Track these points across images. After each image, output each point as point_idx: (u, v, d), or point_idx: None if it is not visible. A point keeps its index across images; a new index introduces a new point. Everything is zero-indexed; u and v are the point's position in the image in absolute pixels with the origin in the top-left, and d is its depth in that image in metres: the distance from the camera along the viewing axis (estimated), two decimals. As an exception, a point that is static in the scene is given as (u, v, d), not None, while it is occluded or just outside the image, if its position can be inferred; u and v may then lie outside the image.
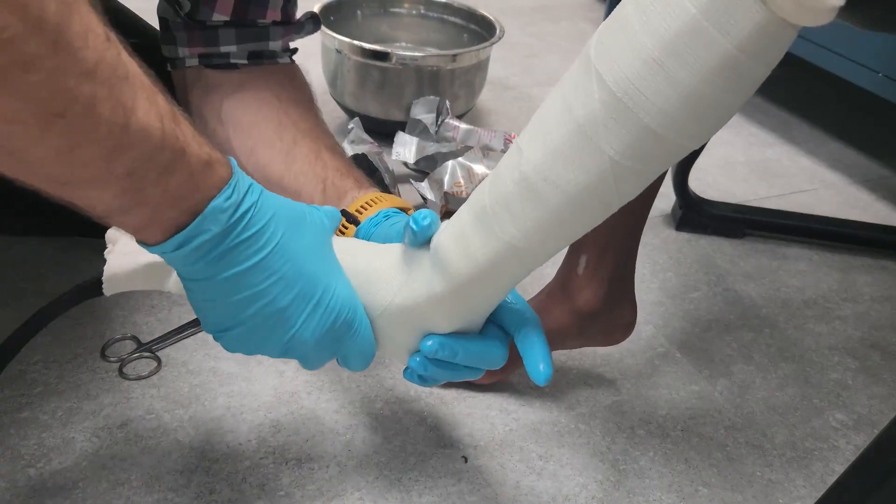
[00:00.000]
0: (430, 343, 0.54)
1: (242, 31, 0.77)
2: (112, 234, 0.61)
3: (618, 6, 0.43)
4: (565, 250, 0.81)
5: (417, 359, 0.56)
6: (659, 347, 0.94)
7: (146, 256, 0.59)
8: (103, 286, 0.61)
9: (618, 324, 0.82)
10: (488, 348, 0.56)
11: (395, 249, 0.56)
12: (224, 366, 0.82)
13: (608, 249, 0.78)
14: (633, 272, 0.82)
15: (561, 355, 0.89)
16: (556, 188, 0.45)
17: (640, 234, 0.80)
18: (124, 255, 0.60)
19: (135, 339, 0.84)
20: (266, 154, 0.73)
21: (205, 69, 0.78)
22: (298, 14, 0.83)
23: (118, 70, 0.38)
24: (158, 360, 0.82)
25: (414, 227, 0.52)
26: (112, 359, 0.82)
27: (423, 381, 0.58)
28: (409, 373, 0.58)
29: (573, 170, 0.44)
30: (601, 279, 0.78)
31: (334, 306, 0.52)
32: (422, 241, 0.54)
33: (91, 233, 0.62)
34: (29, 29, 0.33)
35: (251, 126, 0.75)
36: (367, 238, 0.65)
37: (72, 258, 0.93)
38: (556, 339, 0.79)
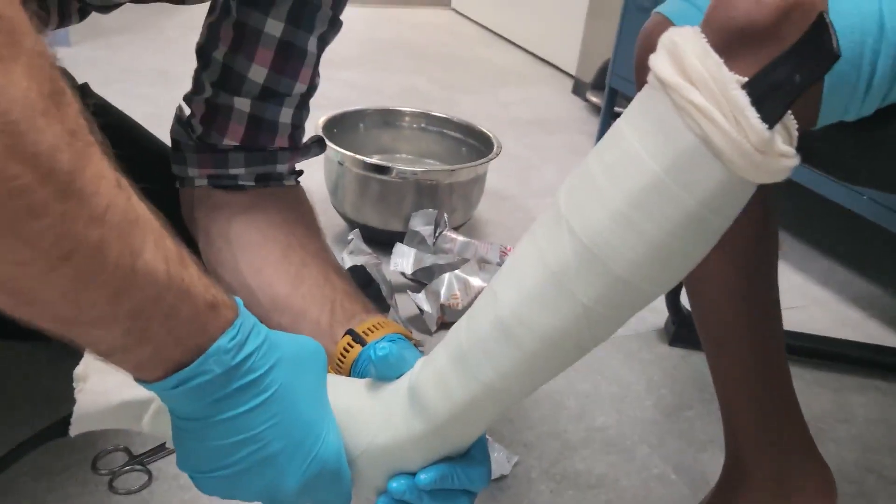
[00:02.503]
0: (395, 485, 0.54)
1: (251, 154, 0.80)
2: (80, 371, 0.59)
3: (583, 162, 0.46)
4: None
5: (383, 499, 0.55)
6: (654, 468, 0.93)
7: (118, 395, 0.57)
8: (70, 427, 0.58)
9: (815, 484, 0.75)
10: (454, 496, 0.56)
11: (374, 388, 0.57)
12: (215, 480, 0.82)
13: (766, 401, 0.72)
14: (802, 417, 0.74)
15: (556, 475, 0.88)
16: (531, 332, 0.47)
17: (788, 373, 0.74)
18: (95, 393, 0.58)
19: (127, 450, 0.84)
20: (273, 274, 0.75)
21: (213, 189, 0.80)
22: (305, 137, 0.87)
23: (128, 214, 0.39)
24: (149, 473, 0.81)
25: (372, 355, 0.54)
26: (103, 471, 0.81)
27: None
28: None
29: (547, 315, 0.46)
30: (773, 439, 0.73)
31: (322, 455, 0.52)
32: (382, 371, 0.55)
33: None
34: (39, 178, 0.34)
35: (259, 246, 0.77)
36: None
37: (67, 362, 0.93)
38: None
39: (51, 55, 0.35)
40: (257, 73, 0.78)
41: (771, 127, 0.39)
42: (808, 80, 0.38)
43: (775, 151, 0.39)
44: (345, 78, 2.19)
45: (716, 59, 0.39)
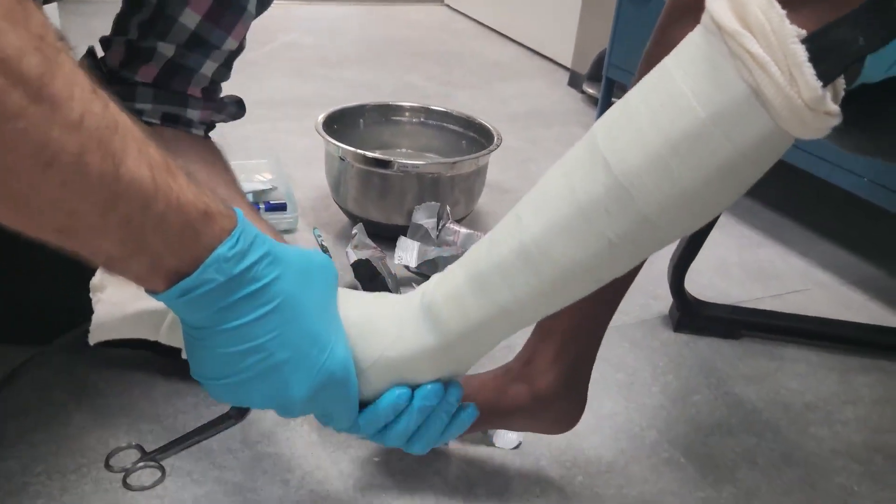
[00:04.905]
0: (397, 392, 0.57)
1: (161, 92, 0.79)
2: (96, 281, 0.60)
3: (625, 97, 0.46)
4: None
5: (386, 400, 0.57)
6: (663, 453, 0.94)
7: (134, 305, 0.59)
8: (89, 335, 0.60)
9: (568, 413, 0.82)
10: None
11: (386, 302, 0.58)
12: (229, 475, 0.82)
13: (577, 337, 0.78)
14: (593, 364, 0.82)
15: (566, 461, 0.89)
16: (553, 262, 0.48)
17: (607, 326, 0.80)
18: (112, 304, 0.60)
19: (139, 447, 0.84)
20: None
21: None
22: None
23: (106, 121, 0.40)
24: (163, 469, 0.82)
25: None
26: (116, 469, 0.81)
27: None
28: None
29: (572, 247, 0.47)
30: (563, 365, 0.78)
31: (329, 367, 0.53)
32: None
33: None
34: (10, 82, 0.35)
35: None
36: None
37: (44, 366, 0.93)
38: (507, 417, 0.80)
39: None
40: (189, 19, 0.76)
41: (825, 85, 0.39)
42: (873, 45, 0.38)
43: (823, 109, 0.39)
44: (341, 77, 2.19)
45: (779, 11, 0.39)
